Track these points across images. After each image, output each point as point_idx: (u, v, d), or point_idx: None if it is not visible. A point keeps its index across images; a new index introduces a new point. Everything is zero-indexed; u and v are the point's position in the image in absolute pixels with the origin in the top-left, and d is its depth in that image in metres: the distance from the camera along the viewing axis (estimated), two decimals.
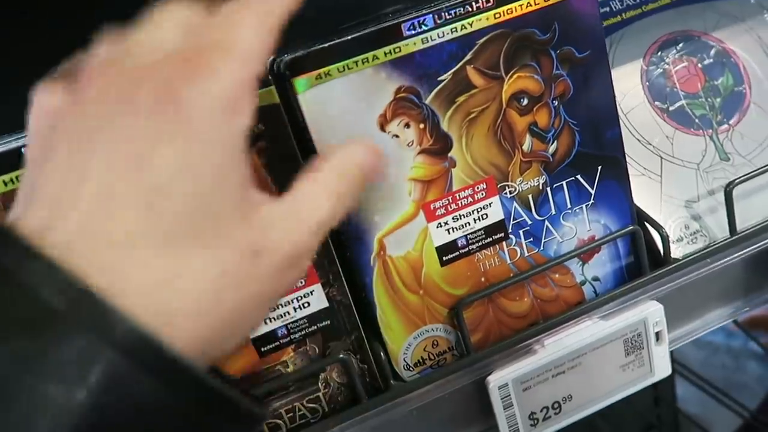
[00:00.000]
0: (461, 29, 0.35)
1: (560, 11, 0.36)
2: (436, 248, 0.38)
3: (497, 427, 0.39)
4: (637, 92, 0.46)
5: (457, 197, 0.38)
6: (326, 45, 0.33)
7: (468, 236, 0.39)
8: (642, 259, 0.42)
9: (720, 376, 0.89)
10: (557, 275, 0.42)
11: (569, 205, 0.40)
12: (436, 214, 0.38)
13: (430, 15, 0.34)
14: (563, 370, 0.39)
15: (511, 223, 0.39)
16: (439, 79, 0.35)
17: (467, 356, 0.39)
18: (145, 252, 0.19)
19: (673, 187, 0.44)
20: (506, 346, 0.39)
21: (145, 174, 0.20)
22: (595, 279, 0.42)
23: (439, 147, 0.36)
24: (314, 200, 0.24)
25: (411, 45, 0.34)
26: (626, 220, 0.41)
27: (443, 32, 0.34)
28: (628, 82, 0.46)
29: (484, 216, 0.38)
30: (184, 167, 0.20)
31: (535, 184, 0.39)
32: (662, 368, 0.41)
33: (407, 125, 0.35)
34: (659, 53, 0.47)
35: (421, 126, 0.36)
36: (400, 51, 0.34)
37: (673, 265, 0.40)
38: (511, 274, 0.40)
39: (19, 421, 0.17)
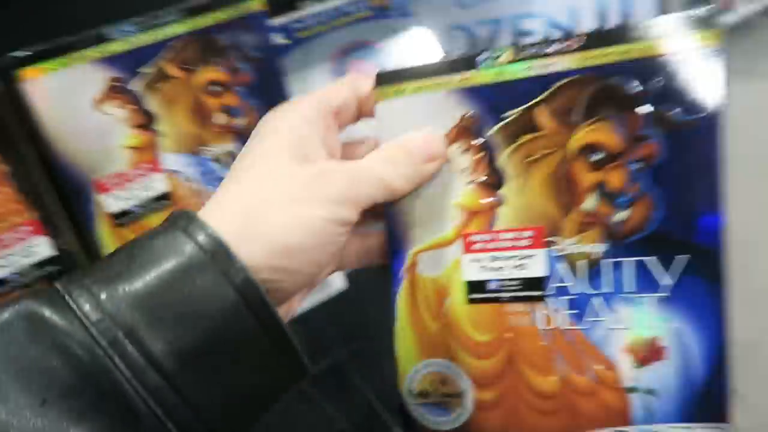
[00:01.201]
0: (540, 67, 0.34)
1: (662, 64, 0.32)
2: (466, 282, 0.37)
3: None
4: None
5: (499, 237, 0.36)
6: (411, 66, 0.37)
7: (501, 281, 0.37)
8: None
9: None
10: (600, 367, 0.35)
11: (631, 289, 0.34)
12: (474, 246, 0.37)
13: (515, 50, 0.35)
14: None
15: (554, 284, 0.36)
16: (506, 113, 0.35)
17: None
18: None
19: None
20: None
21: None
22: (649, 392, 0.35)
23: (492, 181, 0.36)
24: (374, 167, 0.34)
25: (484, 76, 0.35)
26: (711, 332, 0.33)
27: (521, 68, 0.34)
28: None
29: (524, 266, 0.36)
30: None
31: (591, 251, 0.35)
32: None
33: (464, 152, 0.36)
34: (342, 57, 0.58)
35: (477, 156, 0.36)
36: (471, 80, 0.36)
37: None
38: (541, 342, 0.36)
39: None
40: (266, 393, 0.31)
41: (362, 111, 0.38)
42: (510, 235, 0.36)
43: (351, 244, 0.39)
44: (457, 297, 0.38)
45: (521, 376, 0.37)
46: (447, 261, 0.38)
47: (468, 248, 0.37)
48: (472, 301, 0.37)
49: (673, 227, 0.33)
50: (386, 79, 0.37)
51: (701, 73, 0.32)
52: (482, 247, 0.37)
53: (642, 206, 0.34)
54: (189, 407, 0.27)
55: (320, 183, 0.32)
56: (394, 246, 0.38)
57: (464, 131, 0.36)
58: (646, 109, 0.33)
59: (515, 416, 0.37)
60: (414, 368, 0.39)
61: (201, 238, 0.29)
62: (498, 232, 0.37)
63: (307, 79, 0.58)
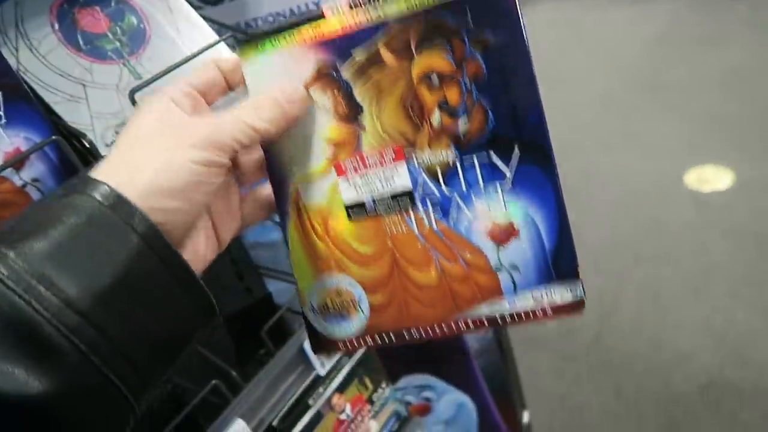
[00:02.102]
0: (376, 16, 0.40)
1: (475, 1, 0.39)
2: (345, 205, 0.42)
3: None
4: (51, 38, 0.56)
5: (366, 159, 0.42)
6: (268, 29, 0.43)
7: (374, 197, 0.42)
8: (73, 160, 0.46)
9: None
10: (468, 255, 0.42)
11: (481, 184, 0.41)
12: (346, 171, 0.42)
13: (350, 1, 0.40)
14: None
15: (419, 192, 0.41)
16: (353, 55, 0.40)
17: None
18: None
19: (99, 106, 0.53)
20: None
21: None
22: (513, 267, 0.41)
23: (351, 113, 0.41)
24: (237, 120, 0.38)
25: (330, 25, 0.41)
26: (551, 207, 0.40)
27: (358, 17, 0.40)
28: (40, 32, 0.56)
29: (392, 181, 0.41)
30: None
31: (445, 159, 0.41)
32: None
33: (324, 92, 0.41)
34: (64, 6, 0.58)
35: (336, 94, 0.41)
36: (321, 32, 0.41)
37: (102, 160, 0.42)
38: (418, 243, 0.42)
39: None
40: (179, 330, 0.35)
41: (231, 83, 0.42)
42: (374, 156, 0.41)
43: (247, 202, 0.44)
44: (340, 218, 0.42)
45: (406, 275, 0.42)
46: (325, 188, 0.43)
47: (341, 173, 0.42)
48: (353, 218, 0.42)
49: (505, 127, 0.40)
50: (248, 40, 0.42)
51: (501, 5, 0.39)
52: (353, 170, 0.42)
53: (477, 114, 0.40)
54: (109, 341, 0.30)
55: (186, 131, 0.37)
56: (277, 186, 0.43)
57: (321, 76, 0.41)
58: (466, 34, 0.39)
59: (406, 311, 0.43)
60: (311, 286, 0.44)
61: (100, 193, 0.33)
62: (364, 154, 0.41)
63: (24, 33, 0.55)
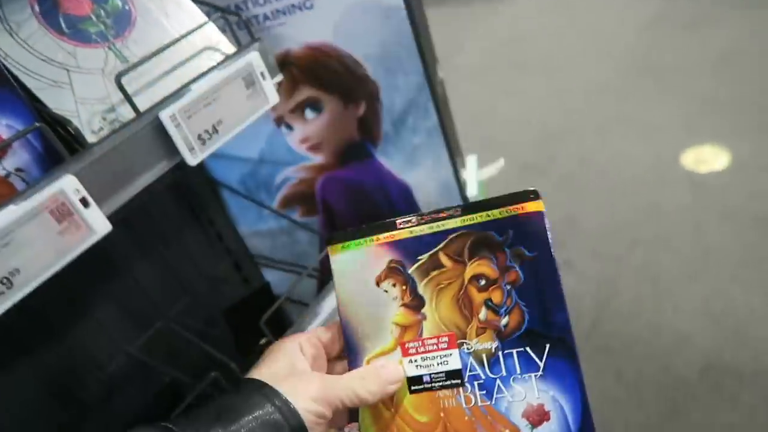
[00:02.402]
0: (437, 227, 0.51)
1: (513, 222, 0.50)
2: (407, 378, 0.50)
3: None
4: (32, 22, 0.54)
5: (426, 342, 0.50)
6: (350, 230, 0.53)
7: (432, 375, 0.50)
8: (57, 147, 0.45)
9: (288, 253, 1.05)
10: (507, 431, 0.48)
11: (519, 371, 0.48)
12: (409, 351, 0.50)
13: (416, 217, 0.51)
14: None
15: (468, 373, 0.49)
16: (419, 257, 0.51)
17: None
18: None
19: (84, 91, 0.52)
20: None
21: None
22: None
23: (415, 303, 0.51)
24: (347, 386, 0.48)
25: (401, 234, 0.52)
26: (575, 396, 0.48)
27: (423, 228, 0.51)
28: (20, 15, 0.54)
29: (446, 362, 0.50)
30: None
31: (488, 347, 0.49)
32: (101, 226, 0.46)
33: (394, 285, 0.51)
34: None
35: (404, 287, 0.51)
36: (394, 237, 0.52)
37: (90, 148, 0.45)
38: (466, 417, 0.49)
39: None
40: None
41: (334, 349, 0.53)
42: (433, 341, 0.50)
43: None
44: (402, 389, 0.50)
45: None
46: None
47: (405, 353, 0.51)
48: (413, 391, 0.50)
49: (537, 325, 0.49)
50: (336, 239, 0.53)
51: (533, 225, 0.49)
52: (415, 351, 0.50)
53: (516, 313, 0.49)
54: None
55: (308, 383, 0.46)
56: (351, 356, 0.51)
57: (392, 270, 0.52)
58: (507, 249, 0.49)
59: None
60: None
61: (278, 403, 0.44)
62: (424, 339, 0.50)
63: (3, 17, 0.54)
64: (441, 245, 0.51)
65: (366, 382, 0.48)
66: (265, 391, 0.44)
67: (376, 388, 0.48)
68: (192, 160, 0.47)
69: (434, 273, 0.51)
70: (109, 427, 0.73)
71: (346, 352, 0.52)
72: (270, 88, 0.51)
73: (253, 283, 0.92)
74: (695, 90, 2.65)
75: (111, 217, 0.47)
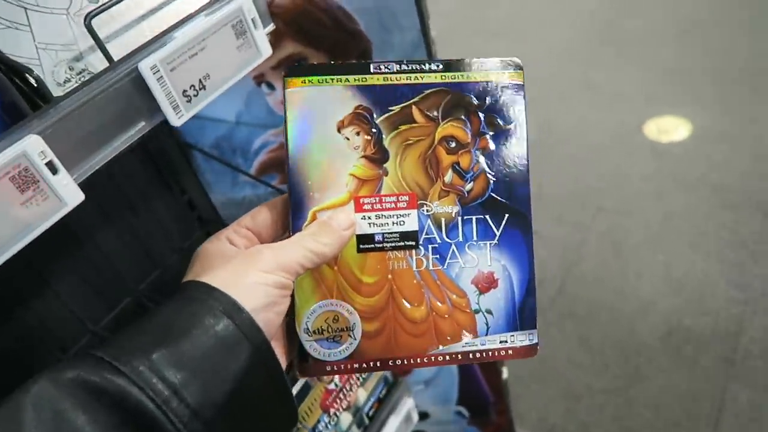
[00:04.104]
0: (414, 79, 0.47)
1: (494, 88, 0.48)
2: (357, 236, 0.46)
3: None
4: None
5: (384, 199, 0.46)
6: (316, 64, 0.49)
7: (385, 234, 0.46)
8: (18, 102, 0.40)
9: None
10: (455, 296, 0.47)
11: (475, 238, 0.47)
12: (364, 207, 0.46)
13: (396, 64, 0.47)
14: None
15: (423, 236, 0.47)
16: (390, 108, 0.46)
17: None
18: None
19: (46, 35, 0.44)
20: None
21: None
22: (488, 312, 0.48)
23: (378, 157, 0.46)
24: (300, 246, 0.42)
25: (375, 79, 0.46)
26: (524, 268, 0.48)
27: (401, 77, 0.47)
28: None
29: (402, 222, 0.46)
30: None
31: (449, 211, 0.47)
32: (72, 195, 0.40)
33: (357, 133, 0.46)
34: None
35: (368, 137, 0.46)
36: (366, 81, 0.46)
37: (57, 103, 0.38)
38: (414, 280, 0.47)
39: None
40: None
41: (285, 225, 0.47)
42: (391, 198, 0.46)
43: None
44: (349, 248, 0.46)
45: (399, 308, 0.47)
46: None
47: (359, 208, 0.46)
48: (362, 250, 0.46)
49: (500, 195, 0.47)
50: (296, 71, 0.47)
51: (511, 96, 0.48)
52: (370, 208, 0.46)
53: (481, 180, 0.47)
54: None
55: (254, 258, 0.40)
56: (296, 206, 0.45)
57: (358, 117, 0.46)
58: (482, 115, 0.47)
59: (394, 341, 0.47)
60: (311, 309, 0.46)
61: (222, 304, 0.37)
62: (382, 196, 0.46)
63: None
64: (416, 99, 0.46)
65: (318, 236, 0.43)
66: (203, 296, 0.37)
67: (331, 239, 0.43)
68: (176, 120, 0.41)
69: (403, 127, 0.46)
70: None
71: (290, 200, 0.45)
72: (262, 38, 0.45)
73: None
74: (658, 59, 2.68)
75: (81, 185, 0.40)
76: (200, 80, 0.41)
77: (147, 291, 0.74)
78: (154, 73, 0.39)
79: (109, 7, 0.40)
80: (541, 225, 2.04)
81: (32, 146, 0.35)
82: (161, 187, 0.76)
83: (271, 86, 0.72)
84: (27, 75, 0.39)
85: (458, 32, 3.25)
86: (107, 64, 0.41)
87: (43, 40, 0.43)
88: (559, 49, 2.91)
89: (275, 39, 0.66)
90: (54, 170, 0.37)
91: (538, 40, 3.01)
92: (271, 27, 0.47)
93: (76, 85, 0.41)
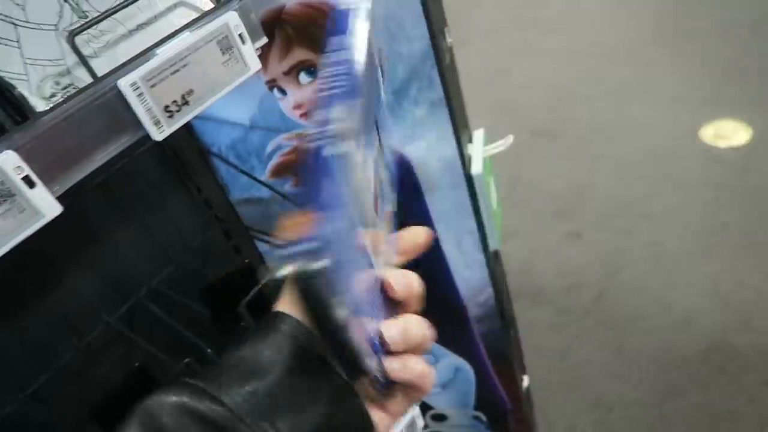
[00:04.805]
0: None
1: None
2: None
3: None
4: None
5: None
6: None
7: None
8: None
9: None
10: None
11: None
12: None
13: None
14: None
15: None
16: None
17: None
18: None
19: (34, 51, 0.45)
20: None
21: None
22: None
23: None
24: None
25: None
26: None
27: None
28: None
29: None
30: None
31: None
32: (48, 208, 0.40)
33: None
34: None
35: None
36: None
37: (39, 118, 0.39)
38: None
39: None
40: None
41: None
42: None
43: None
44: None
45: None
46: None
47: None
48: None
49: None
50: None
51: None
52: None
53: None
54: None
55: None
56: None
57: None
58: None
59: None
60: None
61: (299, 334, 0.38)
62: None
63: None
64: None
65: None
66: (295, 332, 0.38)
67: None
68: (157, 135, 0.42)
69: None
70: (86, 395, 0.71)
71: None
72: (250, 53, 0.45)
73: (245, 254, 0.88)
74: (718, 60, 2.54)
75: (82, 184, 0.41)
76: (183, 96, 0.42)
77: (160, 285, 0.76)
78: (134, 90, 0.40)
79: (94, 23, 0.41)
80: (584, 229, 1.98)
81: (8, 162, 0.37)
82: (178, 187, 0.79)
83: (282, 91, 0.72)
84: (10, 90, 0.41)
85: (512, 26, 3.18)
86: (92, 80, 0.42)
87: (31, 56, 0.44)
88: (616, 44, 2.80)
89: (287, 45, 0.67)
90: (31, 184, 0.38)
91: (594, 35, 2.91)
92: (262, 41, 0.47)
93: (62, 99, 0.42)
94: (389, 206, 0.44)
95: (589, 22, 3.05)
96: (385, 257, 0.41)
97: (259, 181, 0.75)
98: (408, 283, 0.40)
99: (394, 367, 0.38)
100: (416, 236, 0.44)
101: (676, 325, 1.66)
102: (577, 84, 2.57)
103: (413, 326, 0.39)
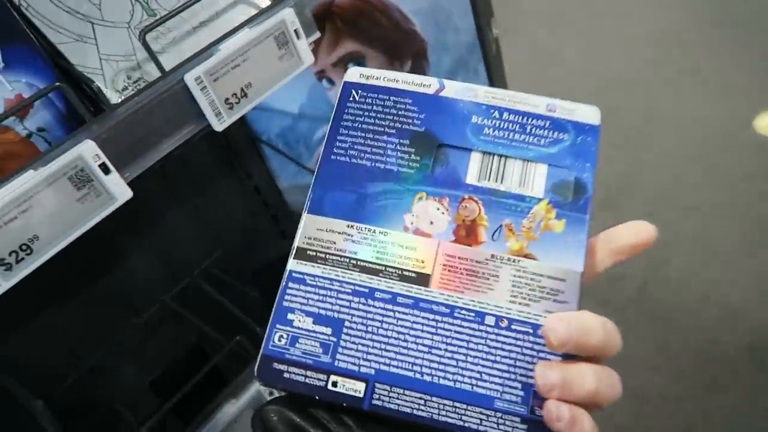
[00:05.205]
0: None
1: None
2: None
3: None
4: None
5: None
6: None
7: None
8: (79, 109, 0.43)
9: None
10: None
11: None
12: None
13: None
14: None
15: None
16: None
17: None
18: None
19: (109, 47, 0.48)
20: None
21: None
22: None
23: None
24: None
25: None
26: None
27: None
28: None
29: None
30: None
31: None
32: (121, 193, 0.43)
33: None
34: None
35: None
36: None
37: (113, 110, 0.42)
38: None
39: None
40: None
41: None
42: None
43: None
44: None
45: None
46: None
47: None
48: None
49: None
50: None
51: None
52: None
53: None
54: None
55: None
56: None
57: None
58: None
59: None
60: None
61: None
62: None
63: None
64: None
65: None
66: None
67: None
68: (218, 126, 0.45)
69: None
70: (143, 368, 0.75)
71: None
72: (304, 48, 0.48)
73: (291, 238, 0.91)
74: None
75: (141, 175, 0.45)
76: (242, 89, 0.45)
77: (211, 267, 0.80)
78: (198, 84, 0.43)
79: (163, 21, 0.44)
80: (629, 219, 1.95)
81: (87, 151, 0.40)
82: (229, 173, 0.82)
83: (331, 81, 0.74)
84: (89, 84, 0.44)
85: (564, 10, 3.12)
86: (160, 74, 0.45)
87: (106, 52, 0.47)
88: (670, 30, 2.72)
89: (336, 37, 0.69)
90: (107, 171, 0.41)
91: (647, 19, 2.83)
92: (315, 36, 0.49)
93: (132, 92, 0.45)
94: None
95: (634, 10, 2.97)
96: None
97: (307, 169, 0.78)
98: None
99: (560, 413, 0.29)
100: (638, 232, 0.35)
101: (720, 320, 1.63)
102: (625, 72, 2.51)
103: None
